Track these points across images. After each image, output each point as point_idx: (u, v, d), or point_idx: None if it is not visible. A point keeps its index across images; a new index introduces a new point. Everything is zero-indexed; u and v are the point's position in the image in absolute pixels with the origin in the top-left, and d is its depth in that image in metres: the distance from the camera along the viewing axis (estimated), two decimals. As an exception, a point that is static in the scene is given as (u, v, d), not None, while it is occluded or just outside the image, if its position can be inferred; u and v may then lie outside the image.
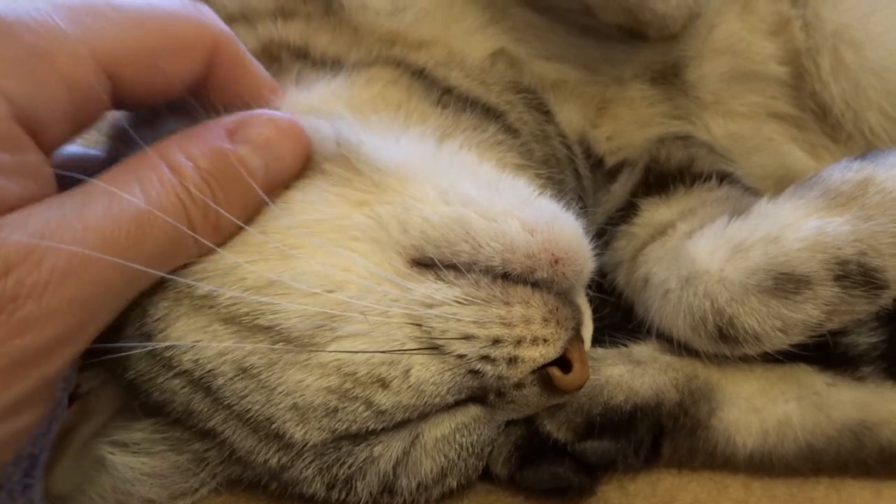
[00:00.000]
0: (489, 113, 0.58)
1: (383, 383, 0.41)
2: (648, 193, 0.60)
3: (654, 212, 0.58)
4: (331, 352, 0.41)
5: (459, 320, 0.42)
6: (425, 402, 0.43)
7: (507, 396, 0.45)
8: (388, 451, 0.44)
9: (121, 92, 0.40)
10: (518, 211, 0.45)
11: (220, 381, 0.41)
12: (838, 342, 0.52)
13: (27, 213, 0.35)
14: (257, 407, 0.41)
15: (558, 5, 0.62)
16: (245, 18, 0.54)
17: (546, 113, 0.63)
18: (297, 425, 0.42)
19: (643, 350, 0.53)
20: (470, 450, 0.47)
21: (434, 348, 0.42)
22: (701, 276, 0.49)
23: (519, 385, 0.44)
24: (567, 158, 0.64)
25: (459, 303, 0.42)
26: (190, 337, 0.41)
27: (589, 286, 0.51)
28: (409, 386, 0.42)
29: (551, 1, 0.62)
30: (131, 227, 0.37)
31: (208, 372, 0.41)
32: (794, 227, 0.47)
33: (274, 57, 0.54)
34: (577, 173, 0.64)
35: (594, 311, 0.53)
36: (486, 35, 0.61)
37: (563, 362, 0.45)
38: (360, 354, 0.41)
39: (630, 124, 0.68)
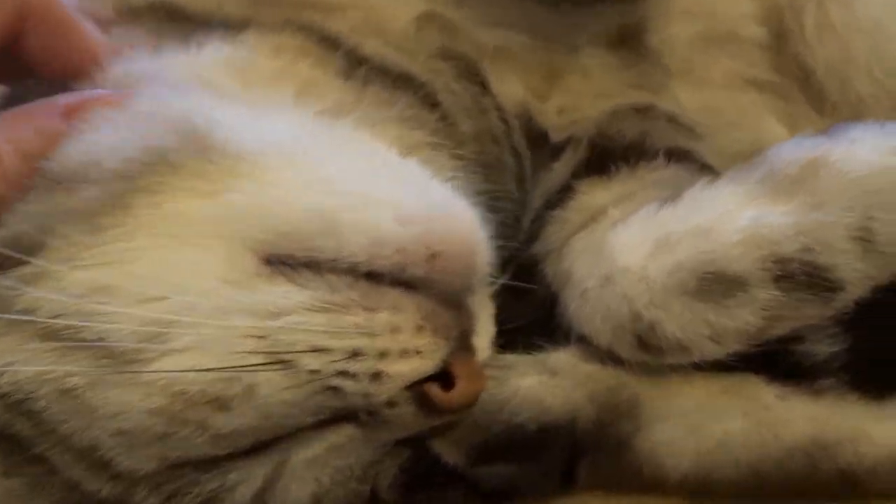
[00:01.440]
0: (406, 84, 0.52)
1: (221, 404, 0.36)
2: (589, 174, 0.53)
3: (591, 195, 0.51)
4: (152, 371, 0.35)
5: (309, 331, 0.36)
6: (277, 425, 0.37)
7: (379, 416, 0.39)
8: (247, 478, 0.39)
9: None
10: (394, 199, 0.39)
11: (41, 404, 0.37)
12: (792, 350, 0.44)
13: None
14: (80, 432, 0.36)
15: None
16: None
17: (481, 84, 0.56)
18: (123, 453, 0.37)
19: (562, 357, 0.46)
20: (348, 473, 0.41)
21: (282, 363, 0.36)
22: (620, 274, 0.42)
23: (391, 404, 0.38)
24: (504, 134, 0.56)
25: (310, 310, 0.37)
26: (4, 358, 0.36)
27: (522, 277, 0.44)
28: (254, 407, 0.36)
29: None
30: None
31: (27, 396, 0.37)
32: (729, 217, 0.40)
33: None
34: (515, 151, 0.57)
35: (519, 307, 0.46)
36: None
37: (446, 377, 0.38)
38: (190, 370, 0.35)
39: (584, 96, 0.60)
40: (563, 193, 0.53)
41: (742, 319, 0.40)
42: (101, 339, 0.36)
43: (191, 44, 0.47)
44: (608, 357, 0.45)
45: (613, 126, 0.56)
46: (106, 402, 0.36)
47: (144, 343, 0.36)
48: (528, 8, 0.58)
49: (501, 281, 0.49)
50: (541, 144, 0.58)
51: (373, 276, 0.38)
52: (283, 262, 0.38)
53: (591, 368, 0.45)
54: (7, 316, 0.37)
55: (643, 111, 0.59)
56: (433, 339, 0.38)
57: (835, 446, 0.44)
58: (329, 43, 0.51)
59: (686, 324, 0.40)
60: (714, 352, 0.41)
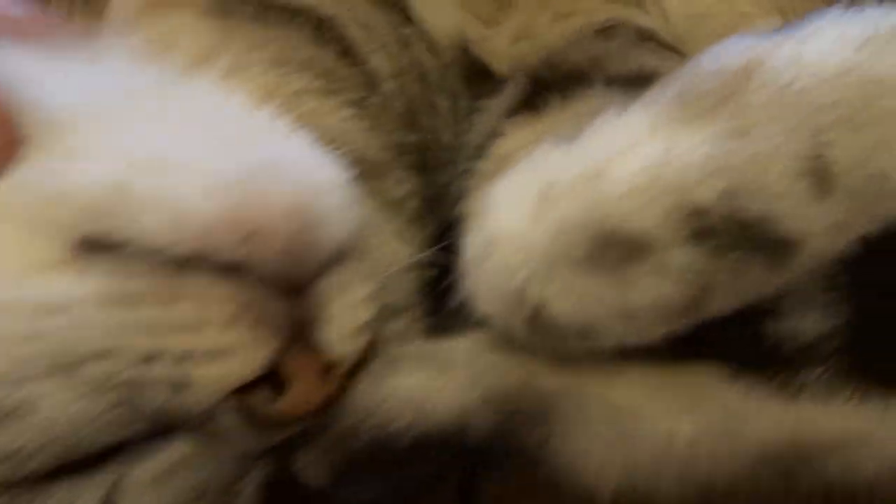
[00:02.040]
0: (296, 19, 0.43)
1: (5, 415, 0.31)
2: (520, 110, 0.42)
3: (512, 136, 0.41)
4: None
5: (91, 329, 0.30)
6: (75, 445, 0.31)
7: (203, 430, 0.31)
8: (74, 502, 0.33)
9: None
10: (205, 164, 0.32)
11: None
12: (764, 330, 0.33)
13: None
14: None
15: None
16: None
17: (402, 11, 0.47)
18: None
19: (461, 347, 0.36)
20: (204, 488, 0.34)
21: (63, 370, 0.30)
22: (498, 240, 0.32)
23: (209, 416, 0.31)
24: (436, 72, 0.47)
25: (96, 304, 0.31)
26: None
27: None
28: (36, 424, 0.31)
29: None
30: None
31: None
32: (625, 156, 0.29)
33: None
34: (451, 91, 0.47)
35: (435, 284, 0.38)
36: None
37: (277, 379, 0.31)
38: None
39: (543, 17, 0.49)
40: (491, 139, 0.43)
41: (653, 293, 0.29)
42: None
43: None
44: (512, 343, 0.35)
45: (562, 54, 0.45)
46: None
47: None
48: None
49: (422, 255, 0.41)
50: (482, 80, 0.48)
51: (175, 262, 0.31)
52: (92, 249, 0.31)
53: (494, 359, 0.36)
54: None
55: (608, 31, 0.47)
56: (251, 333, 0.31)
57: (822, 455, 0.32)
58: None
59: (579, 302, 0.30)
60: (631, 335, 0.31)
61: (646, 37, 0.47)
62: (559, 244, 0.30)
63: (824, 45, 0.27)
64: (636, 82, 0.42)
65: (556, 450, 0.34)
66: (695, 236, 0.28)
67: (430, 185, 0.46)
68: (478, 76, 0.48)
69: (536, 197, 0.31)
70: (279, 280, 0.31)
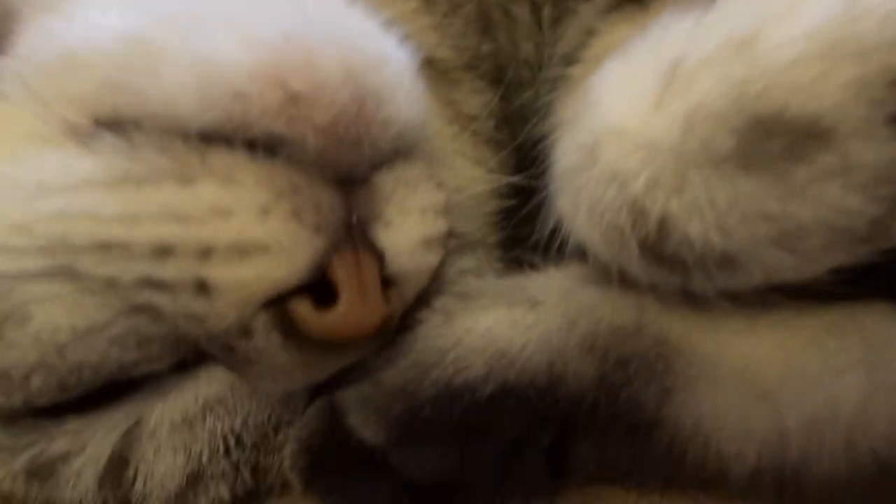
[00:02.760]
0: None
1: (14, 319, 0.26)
2: (618, 8, 0.34)
3: (611, 34, 0.32)
4: None
5: (89, 215, 0.25)
6: (80, 363, 0.27)
7: (237, 352, 0.26)
8: (82, 445, 0.30)
9: None
10: (247, 18, 0.26)
11: None
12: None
13: None
14: None
15: None
16: None
17: None
18: None
19: (552, 282, 0.29)
20: (234, 441, 0.30)
21: (60, 269, 0.25)
22: (606, 138, 0.24)
23: (243, 331, 0.25)
24: None
25: (99, 184, 0.25)
26: None
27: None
28: (32, 335, 0.26)
29: None
30: None
31: None
32: (793, 12, 0.21)
33: None
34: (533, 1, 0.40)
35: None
36: None
37: (326, 289, 0.25)
38: None
39: None
40: (586, 40, 0.35)
41: (832, 203, 0.21)
42: None
43: None
44: (621, 278, 0.27)
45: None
46: None
47: None
48: None
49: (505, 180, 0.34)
50: None
51: (204, 136, 0.25)
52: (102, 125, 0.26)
53: (593, 296, 0.28)
54: None
55: None
56: (290, 226, 0.25)
57: None
58: None
59: (724, 216, 0.22)
60: (789, 267, 0.23)
61: None
62: (694, 137, 0.22)
63: None
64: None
65: (679, 410, 0.27)
66: (894, 121, 0.20)
67: (508, 103, 0.38)
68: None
69: (660, 79, 0.23)
70: (328, 162, 0.25)
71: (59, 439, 0.29)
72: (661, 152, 0.23)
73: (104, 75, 0.26)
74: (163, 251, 0.25)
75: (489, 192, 0.36)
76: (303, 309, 0.25)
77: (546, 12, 0.40)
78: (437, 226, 0.29)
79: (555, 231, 0.29)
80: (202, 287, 0.25)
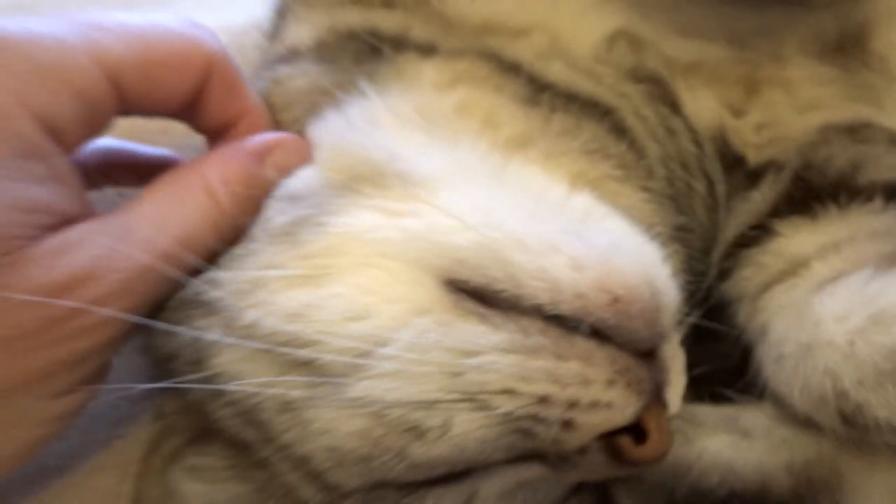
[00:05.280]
0: (593, 111, 0.50)
1: (419, 434, 0.38)
2: (791, 211, 0.49)
3: (792, 238, 0.47)
4: (358, 392, 0.37)
5: (501, 372, 0.37)
6: (469, 458, 0.38)
7: (569, 461, 0.39)
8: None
9: (125, 100, 0.42)
10: (564, 243, 0.39)
11: (265, 415, 0.40)
12: None
13: (87, 229, 0.39)
14: (297, 443, 0.40)
15: None
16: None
17: (672, 105, 0.53)
18: (333, 467, 0.39)
19: (754, 417, 0.44)
20: None
21: (475, 402, 0.37)
22: (823, 346, 0.39)
23: (582, 451, 0.39)
24: (695, 158, 0.54)
25: (504, 351, 0.37)
26: (234, 367, 0.40)
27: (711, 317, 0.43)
28: (449, 439, 0.38)
29: None
30: (173, 246, 0.40)
31: (254, 405, 0.40)
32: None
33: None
34: (707, 176, 0.54)
35: (704, 349, 0.45)
36: (603, 13, 0.52)
37: (638, 429, 0.39)
38: (392, 397, 0.37)
39: (788, 110, 0.55)
40: (760, 231, 0.50)
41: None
42: (311, 360, 0.38)
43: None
44: (806, 423, 0.42)
45: (820, 152, 0.51)
46: (317, 418, 0.38)
47: (349, 365, 0.38)
48: (728, 13, 0.54)
49: (690, 320, 0.48)
50: (736, 169, 0.54)
51: (562, 323, 0.37)
52: (461, 289, 0.38)
53: (787, 433, 0.43)
54: (236, 341, 0.40)
55: (856, 131, 0.53)
56: (625, 392, 0.38)
57: None
58: (511, 69, 0.50)
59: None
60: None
61: (889, 141, 0.53)
62: (891, 362, 0.37)
63: None
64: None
65: (845, 514, 0.42)
66: None
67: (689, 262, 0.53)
68: (732, 164, 0.54)
69: (867, 318, 0.38)
70: (640, 343, 0.38)
71: (429, 499, 0.40)
72: (864, 365, 0.38)
73: (471, 268, 0.38)
74: (544, 400, 0.37)
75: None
76: (625, 443, 0.38)
77: (719, 189, 0.54)
78: (684, 375, 0.43)
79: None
80: (568, 424, 0.37)
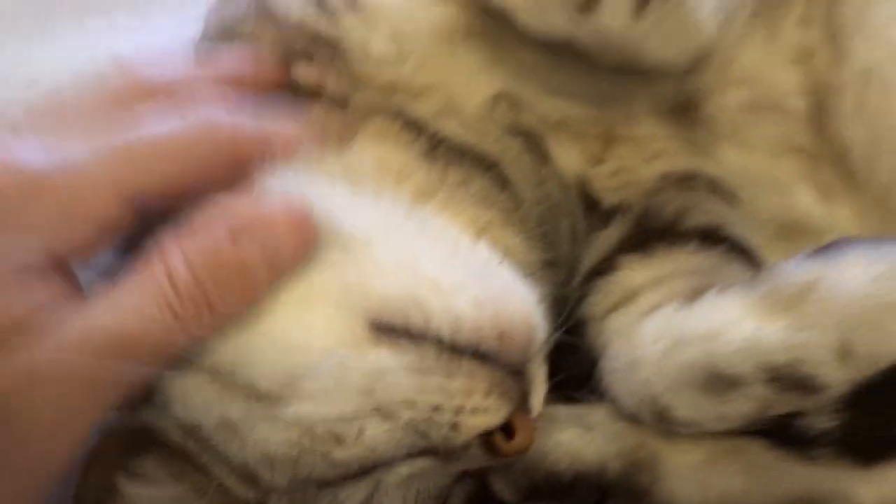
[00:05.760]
0: (481, 163, 0.60)
1: (339, 440, 0.47)
2: (632, 249, 0.62)
3: (630, 272, 0.60)
4: (290, 412, 0.46)
5: (402, 387, 0.47)
6: (378, 457, 0.49)
7: (455, 455, 0.50)
8: (352, 495, 0.51)
9: (145, 206, 0.45)
10: (469, 285, 0.49)
11: (206, 431, 0.48)
12: (792, 423, 0.53)
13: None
14: (235, 453, 0.48)
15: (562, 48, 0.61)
16: None
17: (543, 156, 0.64)
18: (266, 470, 0.48)
19: (597, 415, 0.56)
20: (426, 493, 0.54)
21: (384, 412, 0.47)
22: (642, 362, 0.52)
23: (465, 446, 0.49)
24: (562, 201, 0.65)
25: (405, 370, 0.47)
26: (180, 391, 0.48)
27: (566, 331, 0.55)
28: (363, 443, 0.48)
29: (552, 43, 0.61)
30: (124, 337, 0.43)
31: (198, 423, 0.49)
32: (732, 327, 0.49)
33: None
34: (571, 217, 0.66)
35: (564, 359, 0.57)
36: (488, 77, 0.62)
37: (508, 428, 0.50)
38: (318, 415, 0.46)
39: (637, 160, 0.67)
40: (607, 263, 0.62)
41: (739, 408, 0.49)
42: (250, 384, 0.47)
43: None
44: (632, 419, 0.55)
45: (658, 198, 0.64)
46: (254, 432, 0.47)
47: (282, 388, 0.46)
48: (590, 80, 0.64)
49: (555, 337, 0.60)
50: (594, 210, 0.66)
51: (454, 349, 0.48)
52: (384, 329, 0.48)
53: (620, 427, 0.56)
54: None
55: (688, 179, 0.66)
56: (499, 401, 0.49)
57: (825, 502, 0.53)
58: (414, 126, 0.59)
59: (693, 409, 0.50)
60: (720, 427, 0.51)
61: (712, 187, 0.66)
62: (685, 374, 0.50)
63: (854, 276, 0.47)
64: (712, 237, 0.62)
65: (660, 488, 0.55)
66: (769, 381, 0.48)
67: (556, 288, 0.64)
68: (591, 205, 0.66)
69: (672, 341, 0.51)
70: (515, 365, 0.49)
71: (343, 491, 0.49)
72: (670, 377, 0.50)
73: (394, 309, 0.48)
74: (437, 408, 0.47)
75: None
76: (499, 439, 0.49)
77: (579, 227, 0.66)
78: (545, 383, 0.55)
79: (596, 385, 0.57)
80: (455, 426, 0.47)
